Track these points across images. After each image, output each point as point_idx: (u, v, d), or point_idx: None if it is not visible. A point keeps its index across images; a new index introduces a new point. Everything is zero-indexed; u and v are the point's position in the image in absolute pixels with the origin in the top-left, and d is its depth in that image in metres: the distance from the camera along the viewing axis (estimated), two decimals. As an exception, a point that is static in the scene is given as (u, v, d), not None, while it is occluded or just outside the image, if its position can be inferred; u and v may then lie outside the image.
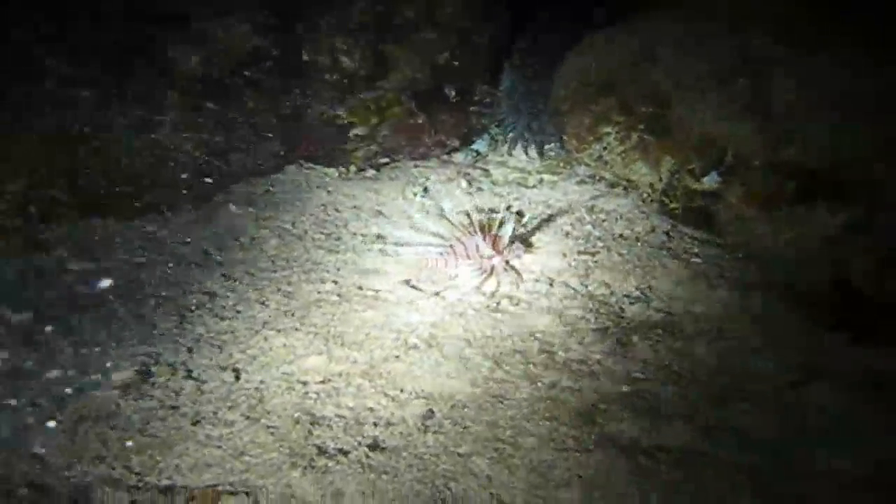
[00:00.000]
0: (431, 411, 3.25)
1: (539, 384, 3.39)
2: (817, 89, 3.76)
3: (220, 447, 3.08)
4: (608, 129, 4.59)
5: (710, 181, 4.18)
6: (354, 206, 4.83)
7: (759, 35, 4.03)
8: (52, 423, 3.17)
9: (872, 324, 3.44)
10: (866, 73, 3.71)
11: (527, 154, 5.23)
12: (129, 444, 3.08)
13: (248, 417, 3.23)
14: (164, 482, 2.92)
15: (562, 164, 5.10)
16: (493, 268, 4.10)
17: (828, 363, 3.40)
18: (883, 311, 3.44)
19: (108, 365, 3.50)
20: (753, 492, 2.84)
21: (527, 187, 5.01)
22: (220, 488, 2.87)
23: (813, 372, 3.36)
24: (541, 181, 5.05)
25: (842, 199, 3.70)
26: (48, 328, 3.72)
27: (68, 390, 3.35)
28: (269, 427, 3.18)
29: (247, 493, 2.84)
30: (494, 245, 4.12)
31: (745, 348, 3.55)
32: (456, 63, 5.00)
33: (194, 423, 3.20)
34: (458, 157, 5.36)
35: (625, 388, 3.36)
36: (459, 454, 3.03)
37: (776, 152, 3.81)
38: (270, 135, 4.79)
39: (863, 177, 3.62)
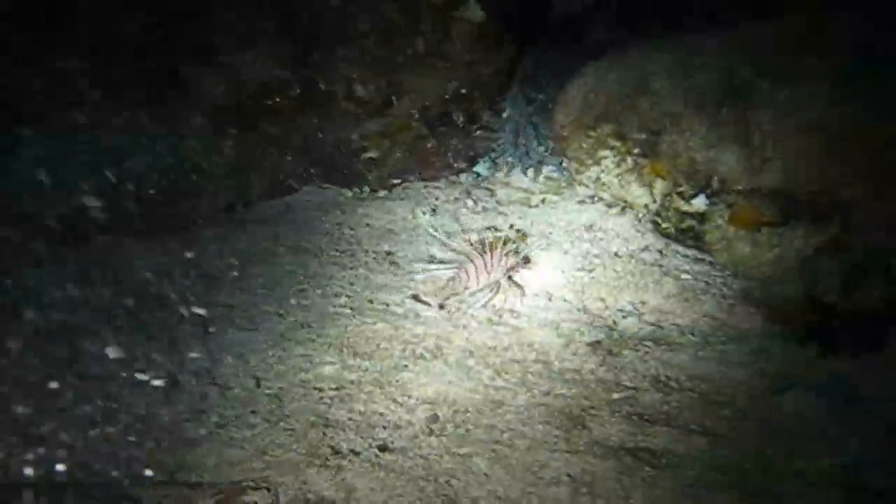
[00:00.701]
0: (436, 416, 3.52)
1: (535, 391, 3.67)
2: (794, 119, 4.02)
3: (243, 447, 3.38)
4: (605, 153, 4.87)
5: (698, 203, 4.46)
6: (367, 225, 5.11)
7: (742, 67, 4.31)
8: (94, 431, 3.49)
9: (840, 336, 3.72)
10: (838, 105, 3.98)
11: (526, 175, 5.51)
12: (163, 444, 3.40)
13: (268, 421, 3.53)
14: (194, 479, 3.24)
15: (563, 185, 5.36)
16: (496, 283, 4.37)
17: (801, 372, 3.67)
18: (849, 325, 3.72)
19: (140, 371, 3.82)
20: (729, 488, 3.13)
21: (529, 207, 5.27)
22: (244, 484, 3.18)
23: (787, 380, 3.63)
24: (543, 201, 5.31)
25: (816, 222, 3.98)
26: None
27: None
28: (287, 430, 3.47)
29: (268, 489, 3.14)
30: (498, 262, 4.41)
31: (727, 358, 3.82)
32: (463, 91, 5.28)
33: (220, 426, 3.52)
34: (464, 178, 5.65)
35: (614, 396, 3.64)
36: (461, 454, 3.31)
37: (757, 178, 4.07)
38: (289, 158, 5.10)
39: (835, 201, 3.90)
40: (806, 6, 4.52)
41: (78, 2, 4.39)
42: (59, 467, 3.24)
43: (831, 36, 4.30)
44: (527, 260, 4.59)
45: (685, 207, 4.50)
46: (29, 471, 3.21)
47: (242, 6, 4.72)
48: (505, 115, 5.74)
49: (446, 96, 5.28)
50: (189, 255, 4.73)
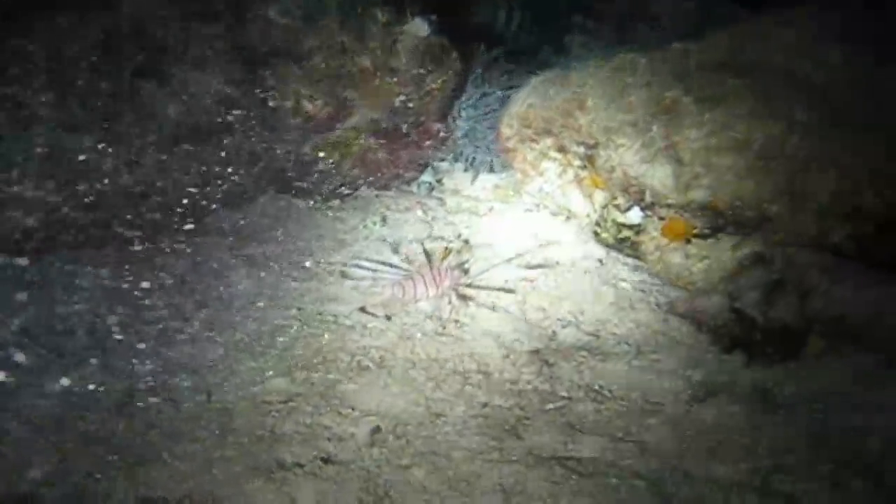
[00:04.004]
0: (378, 427, 3.67)
1: (474, 403, 3.83)
2: (720, 137, 4.21)
3: (192, 461, 3.53)
4: (548, 165, 5.05)
5: (633, 216, 4.65)
6: (319, 236, 5.25)
7: (671, 88, 4.48)
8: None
9: (762, 347, 3.93)
10: (760, 123, 4.17)
11: (474, 185, 5.69)
12: (116, 460, 3.55)
13: (217, 434, 3.68)
14: (143, 493, 3.39)
15: (510, 194, 5.54)
16: (442, 294, 4.54)
17: (725, 381, 3.87)
18: (769, 336, 3.93)
19: (97, 387, 3.97)
20: (650, 494, 3.31)
21: (478, 215, 5.42)
22: (187, 500, 3.33)
23: (712, 389, 3.83)
24: (491, 209, 5.47)
25: (741, 236, 4.19)
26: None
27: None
28: (234, 443, 3.62)
29: (214, 502, 3.31)
30: (444, 273, 4.57)
31: (657, 368, 4.00)
32: (411, 104, 5.41)
33: (172, 440, 3.67)
34: (415, 187, 5.81)
35: (549, 406, 3.81)
36: (401, 466, 3.45)
37: (687, 193, 4.26)
38: (242, 171, 5.23)
39: (758, 217, 4.10)
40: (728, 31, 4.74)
41: (33, 22, 4.48)
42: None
43: (752, 57, 4.50)
44: (473, 270, 4.75)
45: (621, 219, 4.69)
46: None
47: (194, 28, 4.84)
48: (454, 125, 5.91)
49: (395, 109, 5.42)
50: (143, 267, 4.84)
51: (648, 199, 4.44)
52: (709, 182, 4.20)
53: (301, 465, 3.48)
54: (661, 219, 4.48)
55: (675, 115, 4.34)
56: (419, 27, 5.24)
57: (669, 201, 4.35)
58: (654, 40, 5.52)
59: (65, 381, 3.97)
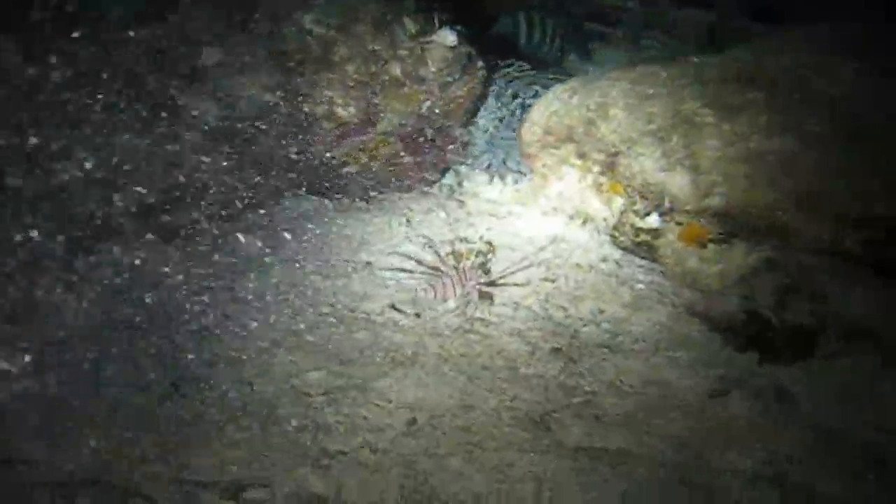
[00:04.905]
0: (414, 419, 3.87)
1: (504, 396, 4.03)
2: (737, 148, 4.43)
3: (241, 448, 3.75)
4: (568, 170, 5.26)
5: (651, 221, 4.84)
6: (347, 236, 5.40)
7: (690, 99, 4.71)
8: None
9: (776, 345, 4.16)
10: (775, 135, 4.39)
11: (495, 188, 5.89)
12: (169, 445, 3.76)
13: (262, 424, 3.90)
14: (197, 477, 3.60)
15: (529, 198, 5.73)
16: (467, 293, 4.74)
17: (740, 378, 4.10)
18: (783, 336, 4.16)
19: (144, 379, 4.17)
20: (673, 483, 3.55)
21: (498, 218, 5.58)
22: (244, 482, 3.55)
23: (727, 385, 4.05)
24: (510, 213, 5.63)
25: (755, 242, 4.40)
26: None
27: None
28: (280, 432, 3.85)
29: (266, 486, 3.53)
30: (469, 272, 4.78)
31: (675, 364, 4.21)
32: (437, 111, 5.60)
33: (220, 428, 3.88)
34: (437, 190, 6.00)
35: (575, 400, 4.03)
36: (437, 454, 3.66)
37: (703, 200, 4.47)
38: (275, 173, 5.43)
39: (771, 224, 4.32)
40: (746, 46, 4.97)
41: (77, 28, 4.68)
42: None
43: (769, 71, 4.73)
44: (496, 270, 4.95)
45: (640, 224, 4.88)
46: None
47: (234, 37, 5.07)
48: (477, 131, 6.12)
49: (422, 115, 5.63)
50: (182, 265, 4.99)
51: (667, 205, 4.64)
52: (725, 190, 4.41)
53: (344, 453, 3.69)
54: (679, 224, 4.67)
55: (694, 125, 4.56)
56: (447, 37, 5.44)
57: (687, 207, 4.56)
58: (671, 51, 5.75)
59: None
